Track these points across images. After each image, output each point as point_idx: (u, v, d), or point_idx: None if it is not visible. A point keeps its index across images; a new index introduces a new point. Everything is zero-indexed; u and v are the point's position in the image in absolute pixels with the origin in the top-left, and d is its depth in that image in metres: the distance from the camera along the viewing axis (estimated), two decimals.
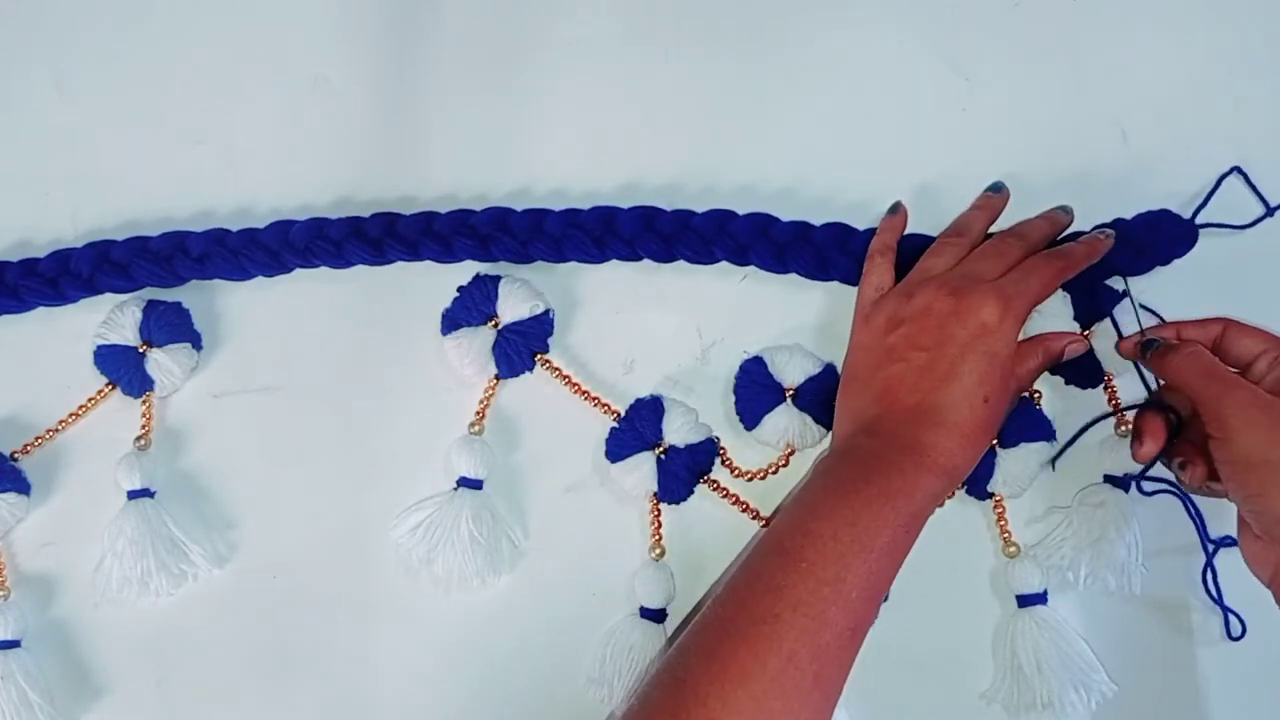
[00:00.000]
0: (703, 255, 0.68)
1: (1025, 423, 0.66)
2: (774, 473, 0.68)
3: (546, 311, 0.68)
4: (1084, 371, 0.67)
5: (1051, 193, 0.70)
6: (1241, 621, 0.65)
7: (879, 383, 0.62)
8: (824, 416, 0.67)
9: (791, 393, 0.67)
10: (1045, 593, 0.65)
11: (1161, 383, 0.64)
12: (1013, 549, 0.66)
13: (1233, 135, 0.71)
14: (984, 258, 0.64)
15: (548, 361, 0.69)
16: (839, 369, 0.67)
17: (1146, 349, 0.62)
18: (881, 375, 0.62)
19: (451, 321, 0.69)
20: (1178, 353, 0.60)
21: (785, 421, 0.67)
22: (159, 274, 0.69)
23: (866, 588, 0.56)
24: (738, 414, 0.68)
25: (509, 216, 0.69)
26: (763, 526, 0.67)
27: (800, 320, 0.69)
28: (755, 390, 0.67)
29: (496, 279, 0.68)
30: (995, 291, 0.61)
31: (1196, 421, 0.59)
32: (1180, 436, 0.61)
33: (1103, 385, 0.67)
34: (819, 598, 0.55)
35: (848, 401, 0.64)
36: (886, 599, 0.60)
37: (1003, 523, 0.66)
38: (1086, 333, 0.67)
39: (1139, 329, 0.64)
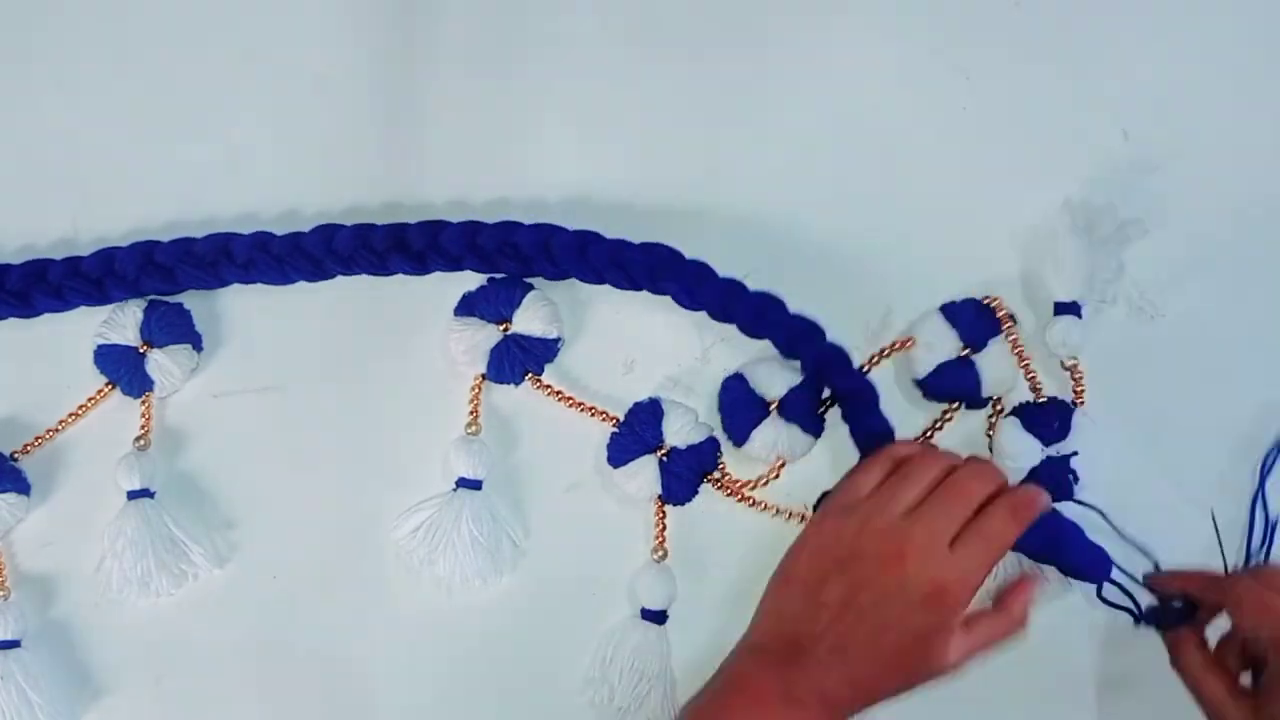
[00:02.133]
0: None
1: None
2: (764, 485, 0.68)
3: (558, 339, 0.68)
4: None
5: (1051, 192, 0.70)
6: None
7: (812, 606, 0.59)
8: (812, 425, 0.67)
9: (776, 405, 0.67)
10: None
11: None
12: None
13: (1233, 135, 0.71)
14: (946, 504, 0.60)
15: (538, 380, 0.68)
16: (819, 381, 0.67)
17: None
18: (818, 600, 0.59)
19: (467, 307, 0.69)
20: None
21: (774, 434, 0.67)
22: (203, 278, 0.68)
23: None
24: (725, 432, 0.68)
25: (554, 236, 0.67)
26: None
27: None
28: (739, 406, 0.67)
29: (528, 288, 0.68)
30: (953, 569, 0.59)
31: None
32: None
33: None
34: None
35: (781, 602, 0.61)
36: None
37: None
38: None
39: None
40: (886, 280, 0.70)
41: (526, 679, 0.67)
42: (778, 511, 0.67)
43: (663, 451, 0.67)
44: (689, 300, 0.67)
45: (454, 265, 0.68)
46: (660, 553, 0.67)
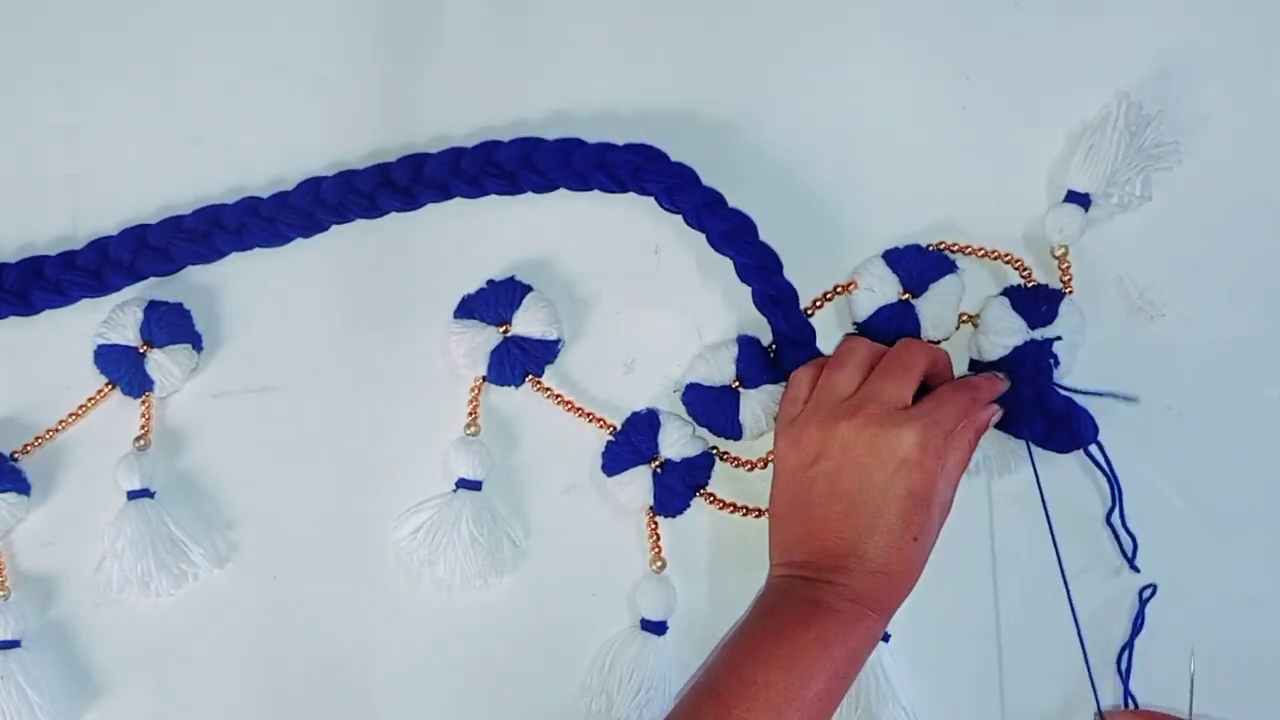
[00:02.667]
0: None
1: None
2: (773, 459, 0.67)
3: (557, 340, 0.68)
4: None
5: (1051, 192, 0.70)
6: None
7: (804, 524, 0.61)
8: (777, 375, 0.67)
9: (738, 383, 0.67)
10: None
11: None
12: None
13: (1233, 135, 0.71)
14: (889, 377, 0.62)
15: (538, 382, 0.69)
16: (760, 339, 0.68)
17: None
18: (805, 516, 0.61)
19: (467, 309, 0.69)
20: None
21: (757, 406, 0.67)
22: (198, 251, 0.69)
23: None
24: (716, 435, 0.68)
25: (536, 148, 0.68)
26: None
27: None
28: (713, 407, 0.67)
29: (527, 289, 0.68)
30: (913, 426, 0.60)
31: None
32: None
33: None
34: None
35: (778, 534, 0.63)
36: None
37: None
38: (1000, 375, 0.66)
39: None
40: None
41: (527, 679, 0.67)
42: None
43: (657, 463, 0.67)
44: (669, 201, 0.68)
45: (442, 194, 0.69)
46: (659, 564, 0.67)
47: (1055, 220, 0.68)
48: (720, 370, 0.68)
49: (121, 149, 0.72)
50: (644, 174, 0.68)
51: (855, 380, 0.63)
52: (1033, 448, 0.65)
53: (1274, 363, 0.69)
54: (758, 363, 0.68)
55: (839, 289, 0.69)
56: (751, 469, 0.68)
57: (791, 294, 0.67)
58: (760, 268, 0.67)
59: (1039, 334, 0.66)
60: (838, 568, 0.59)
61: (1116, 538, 0.66)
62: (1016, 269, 0.69)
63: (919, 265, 0.68)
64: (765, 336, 0.69)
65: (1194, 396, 0.68)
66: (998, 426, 0.65)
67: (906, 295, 0.68)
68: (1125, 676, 0.65)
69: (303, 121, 0.72)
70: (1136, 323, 0.69)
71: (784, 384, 0.67)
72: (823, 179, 0.71)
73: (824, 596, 0.59)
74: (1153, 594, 0.66)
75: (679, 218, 0.69)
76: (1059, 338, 0.66)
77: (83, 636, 0.67)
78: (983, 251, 0.70)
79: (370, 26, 0.73)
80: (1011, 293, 0.68)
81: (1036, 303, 0.67)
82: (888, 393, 0.61)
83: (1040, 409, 0.65)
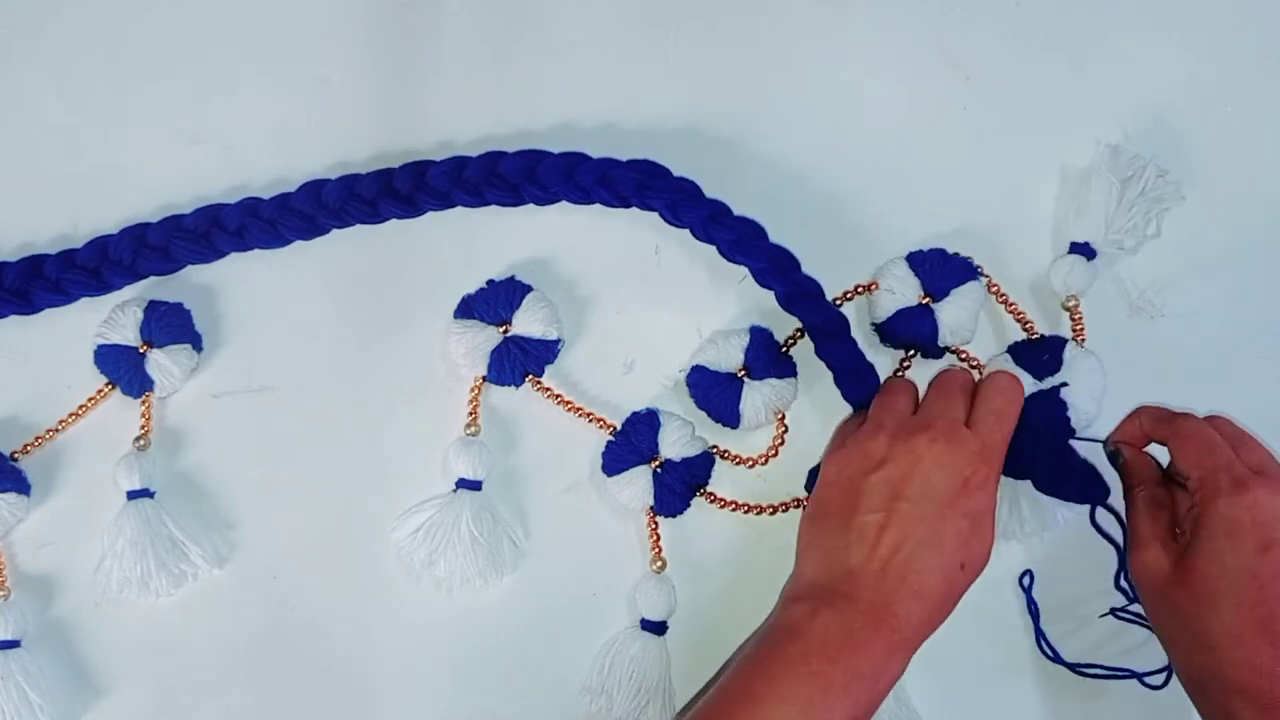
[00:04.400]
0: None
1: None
2: (774, 455, 0.68)
3: (557, 340, 0.68)
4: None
5: (1051, 192, 0.70)
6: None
7: (856, 527, 0.58)
8: (785, 369, 0.67)
9: (744, 372, 0.67)
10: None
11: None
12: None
13: (1233, 135, 0.71)
14: (946, 395, 0.62)
15: (538, 383, 0.69)
16: (766, 329, 0.68)
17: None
18: (859, 520, 0.58)
19: (466, 309, 0.69)
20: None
21: (758, 397, 0.67)
22: (198, 251, 0.69)
23: None
24: (715, 421, 0.68)
25: (540, 161, 0.68)
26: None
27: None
28: (714, 392, 0.67)
29: (527, 289, 0.68)
30: (977, 442, 0.60)
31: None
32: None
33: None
34: None
35: (820, 537, 0.60)
36: None
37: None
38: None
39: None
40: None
41: (527, 679, 0.67)
42: (774, 510, 0.67)
43: (657, 463, 0.67)
44: (674, 217, 0.68)
45: (444, 203, 0.69)
46: (659, 563, 0.67)
47: (1059, 271, 0.68)
48: (728, 357, 0.68)
49: (121, 149, 0.72)
50: (647, 190, 0.68)
51: (911, 405, 0.63)
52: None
53: (1274, 363, 0.70)
54: (767, 355, 0.67)
55: (860, 289, 0.69)
56: (753, 466, 0.68)
57: (816, 288, 0.67)
58: (777, 269, 0.67)
59: (1046, 383, 0.66)
60: (882, 580, 0.56)
61: (1126, 596, 0.65)
62: (1019, 321, 0.69)
63: (941, 270, 0.68)
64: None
65: (1194, 397, 0.68)
66: (1007, 472, 0.63)
67: (927, 299, 0.68)
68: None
69: (303, 123, 0.72)
70: (1136, 323, 0.70)
71: (790, 379, 0.67)
72: (826, 189, 0.71)
73: (859, 628, 0.55)
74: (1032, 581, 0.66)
75: None
76: (1065, 384, 0.65)
77: (83, 636, 0.67)
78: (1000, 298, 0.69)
79: (373, 30, 0.73)
80: (1014, 349, 0.67)
81: (1039, 353, 0.66)
82: (952, 409, 0.61)
83: (1052, 459, 0.64)
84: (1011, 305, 0.69)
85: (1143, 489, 0.62)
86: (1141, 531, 0.61)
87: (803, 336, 0.68)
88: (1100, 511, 0.64)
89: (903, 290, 0.68)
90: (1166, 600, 0.59)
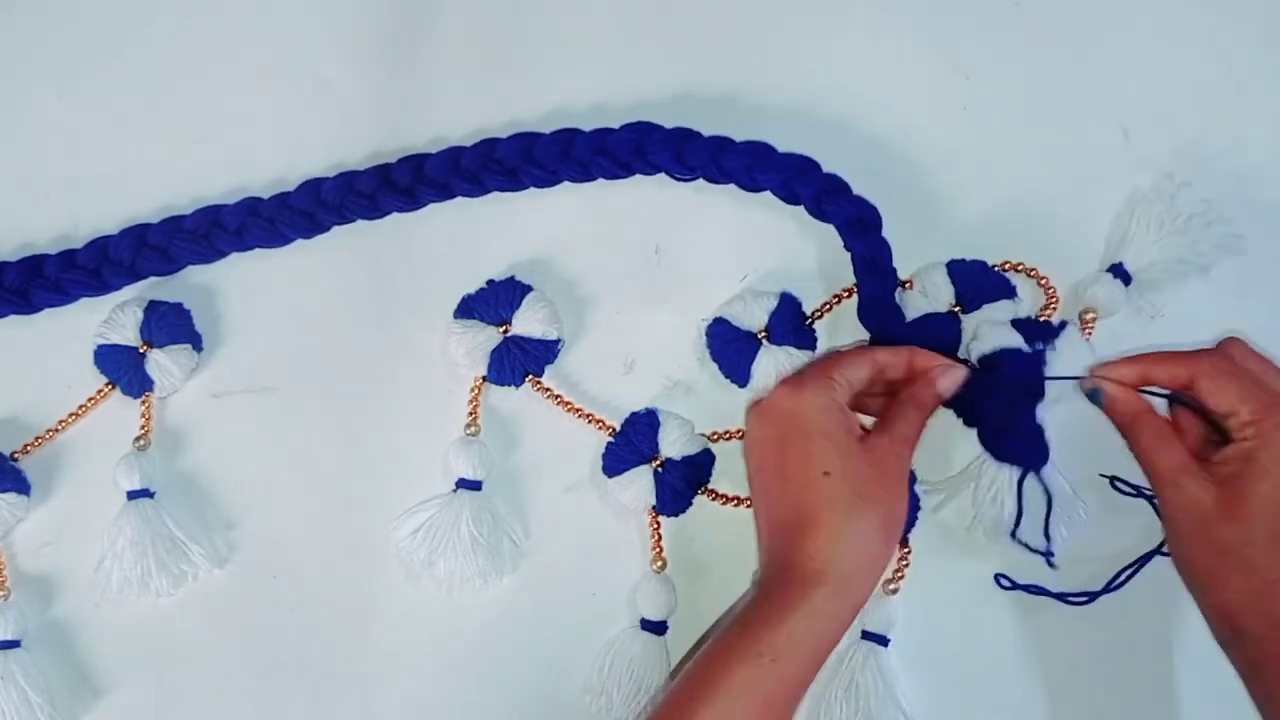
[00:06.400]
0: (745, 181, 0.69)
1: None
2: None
3: (557, 340, 0.68)
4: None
5: (1052, 193, 0.70)
6: None
7: (754, 504, 0.62)
8: (806, 340, 0.67)
9: (764, 334, 0.67)
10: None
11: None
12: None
13: (1233, 135, 0.71)
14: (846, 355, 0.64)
15: (538, 383, 0.69)
16: (796, 297, 0.68)
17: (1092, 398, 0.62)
18: (751, 497, 0.63)
19: (466, 309, 0.69)
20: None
21: (772, 361, 0.67)
22: (198, 251, 0.69)
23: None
24: (725, 376, 0.68)
25: (535, 142, 0.68)
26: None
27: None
28: (731, 347, 0.67)
29: (527, 289, 0.68)
30: (783, 381, 0.62)
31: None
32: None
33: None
34: None
35: (759, 514, 0.63)
36: None
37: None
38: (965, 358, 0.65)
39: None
40: None
41: (527, 679, 0.67)
42: None
43: (658, 462, 0.67)
44: (681, 167, 0.68)
45: (443, 193, 0.69)
46: (659, 563, 0.67)
47: (1096, 289, 0.67)
48: (753, 316, 0.67)
49: (121, 149, 0.72)
50: (645, 149, 0.68)
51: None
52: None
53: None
54: (791, 322, 0.67)
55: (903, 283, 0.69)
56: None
57: (872, 215, 0.67)
58: (832, 191, 0.67)
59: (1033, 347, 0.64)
60: (776, 541, 0.59)
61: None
62: (1043, 286, 0.69)
63: (978, 282, 0.68)
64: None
65: None
66: (959, 411, 0.64)
67: (958, 308, 0.68)
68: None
69: (302, 122, 0.72)
70: (1137, 323, 0.69)
71: (808, 352, 0.67)
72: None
73: (772, 583, 0.58)
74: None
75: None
76: (1049, 348, 0.63)
77: (83, 636, 0.67)
78: (1021, 267, 0.69)
79: (369, 28, 0.73)
80: (1016, 322, 0.66)
81: (1040, 329, 0.65)
82: (818, 364, 0.63)
83: (1008, 415, 0.63)
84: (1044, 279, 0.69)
85: (1146, 426, 0.60)
86: (1163, 467, 0.59)
87: (829, 310, 0.68)
88: (1029, 479, 0.62)
89: (935, 295, 0.68)
90: (1212, 537, 0.57)
